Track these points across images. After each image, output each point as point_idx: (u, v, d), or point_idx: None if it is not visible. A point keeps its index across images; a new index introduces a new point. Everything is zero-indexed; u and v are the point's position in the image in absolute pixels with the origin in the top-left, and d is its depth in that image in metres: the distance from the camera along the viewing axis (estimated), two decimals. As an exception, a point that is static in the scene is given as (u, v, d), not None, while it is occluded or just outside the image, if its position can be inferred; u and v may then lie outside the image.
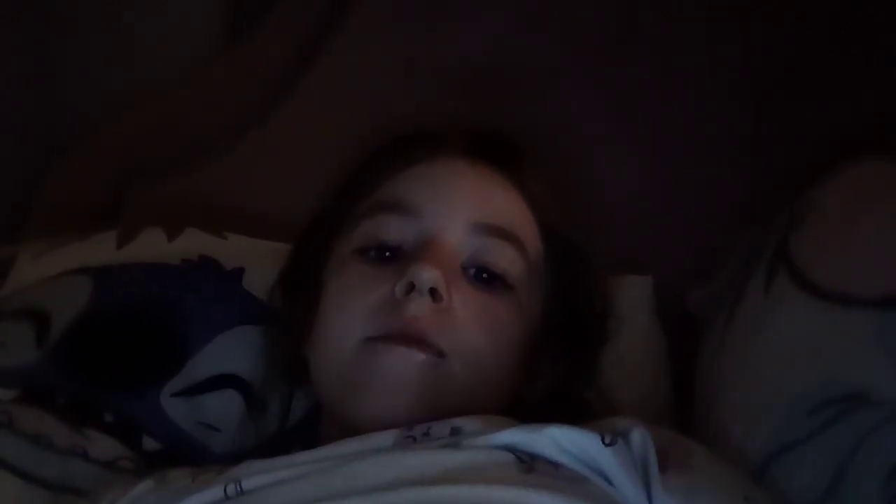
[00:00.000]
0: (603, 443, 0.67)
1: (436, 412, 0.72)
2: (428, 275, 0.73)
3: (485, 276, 0.77)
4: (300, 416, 0.89)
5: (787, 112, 1.04)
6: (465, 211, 0.78)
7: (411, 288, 0.73)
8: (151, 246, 1.00)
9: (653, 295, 0.99)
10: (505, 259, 0.78)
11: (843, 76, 1.04)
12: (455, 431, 0.69)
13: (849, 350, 0.79)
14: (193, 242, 1.00)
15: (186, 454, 0.87)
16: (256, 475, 0.69)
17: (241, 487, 0.68)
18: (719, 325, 0.89)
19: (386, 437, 0.69)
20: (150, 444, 0.87)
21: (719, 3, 1.08)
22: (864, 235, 0.83)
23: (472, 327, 0.75)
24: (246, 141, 1.17)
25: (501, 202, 0.81)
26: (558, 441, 0.67)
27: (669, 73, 1.08)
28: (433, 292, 0.73)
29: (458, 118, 0.86)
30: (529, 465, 0.66)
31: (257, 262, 0.95)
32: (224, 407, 0.89)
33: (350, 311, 0.76)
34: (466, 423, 0.69)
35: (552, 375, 0.83)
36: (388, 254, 0.78)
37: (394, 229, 0.78)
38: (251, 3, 1.29)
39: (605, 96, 1.09)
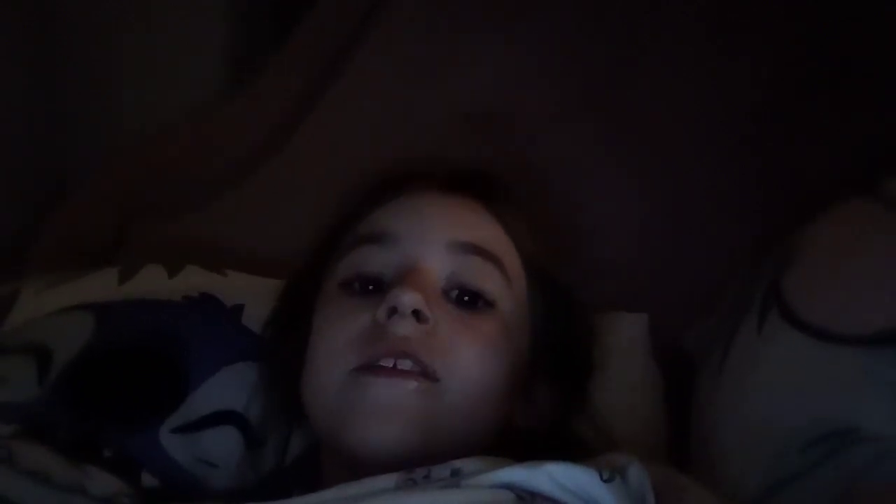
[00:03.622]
0: (601, 479, 0.67)
1: (432, 437, 0.72)
2: (408, 297, 0.73)
3: (466, 298, 0.78)
4: (299, 453, 0.89)
5: (784, 153, 1.06)
6: (441, 234, 0.79)
7: (393, 312, 0.74)
8: (152, 282, 1.00)
9: (648, 331, 1.00)
10: (485, 278, 0.79)
11: (835, 119, 1.05)
12: (455, 473, 0.69)
13: (839, 387, 0.80)
14: (194, 279, 1.01)
15: (185, 490, 0.88)
16: (257, 519, 0.69)
17: (242, 531, 0.69)
18: (714, 362, 0.90)
19: (387, 480, 0.69)
20: (148, 480, 0.87)
21: (718, 44, 1.10)
22: (851, 275, 0.85)
23: (462, 345, 0.76)
24: (246, 182, 1.18)
25: (478, 224, 0.82)
26: (557, 478, 0.67)
27: (668, 115, 1.10)
28: (417, 314, 0.74)
29: (440, 159, 0.88)
30: (529, 503, 0.67)
31: (257, 298, 0.96)
32: (223, 443, 0.90)
33: (333, 341, 0.77)
34: (466, 463, 0.70)
35: (544, 402, 0.84)
36: (371, 287, 0.79)
37: (374, 260, 0.79)
38: (255, 48, 1.31)
39: (605, 138, 1.10)
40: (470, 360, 0.76)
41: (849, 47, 1.07)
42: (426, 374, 0.74)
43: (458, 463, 0.70)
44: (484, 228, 0.82)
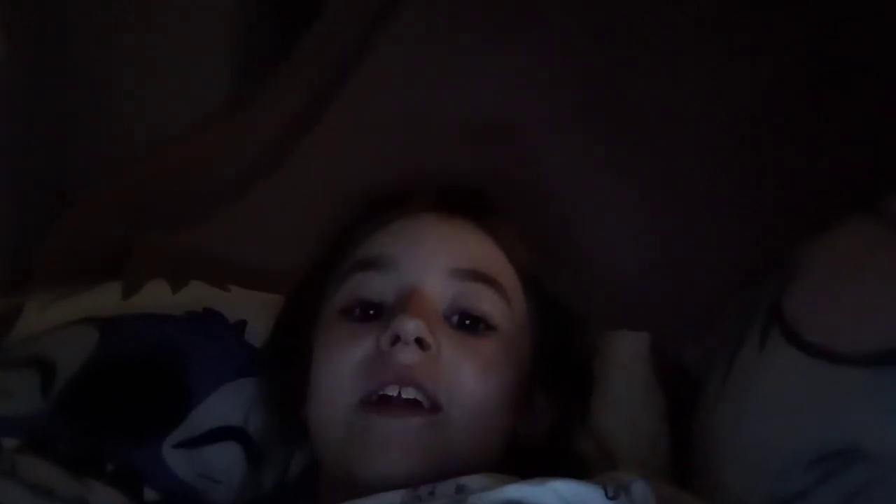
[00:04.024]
0: (606, 496, 0.67)
1: (439, 462, 0.73)
2: (411, 325, 0.74)
3: (467, 322, 0.79)
4: (300, 470, 0.89)
5: (786, 169, 1.06)
6: (441, 260, 0.80)
7: (396, 340, 0.74)
8: (156, 297, 1.01)
9: (649, 350, 1.00)
10: (485, 302, 0.79)
11: (837, 136, 1.06)
12: (460, 489, 0.69)
13: (841, 406, 0.80)
14: (197, 294, 1.01)
15: (186, 506, 0.88)
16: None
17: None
18: (716, 381, 0.90)
19: (392, 497, 0.70)
20: (150, 494, 0.87)
21: (721, 54, 1.10)
22: (853, 293, 0.85)
23: (464, 370, 0.76)
24: (250, 195, 1.18)
25: (476, 248, 0.82)
26: (562, 494, 0.67)
27: (672, 126, 1.10)
28: (420, 342, 0.74)
29: (434, 177, 0.88)
30: (534, 519, 0.67)
31: (260, 314, 0.95)
32: (225, 459, 0.90)
33: (337, 370, 0.77)
34: (471, 480, 0.70)
35: (546, 416, 0.84)
36: (371, 312, 0.79)
37: (374, 286, 0.79)
38: (260, 58, 1.32)
39: (607, 150, 1.10)
40: (471, 384, 0.76)
41: (849, 51, 1.07)
42: (429, 401, 0.74)
43: (463, 479, 0.70)
44: (482, 251, 0.83)
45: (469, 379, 0.76)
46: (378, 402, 0.74)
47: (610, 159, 1.11)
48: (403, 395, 0.74)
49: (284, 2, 1.39)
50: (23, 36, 1.34)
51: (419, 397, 0.75)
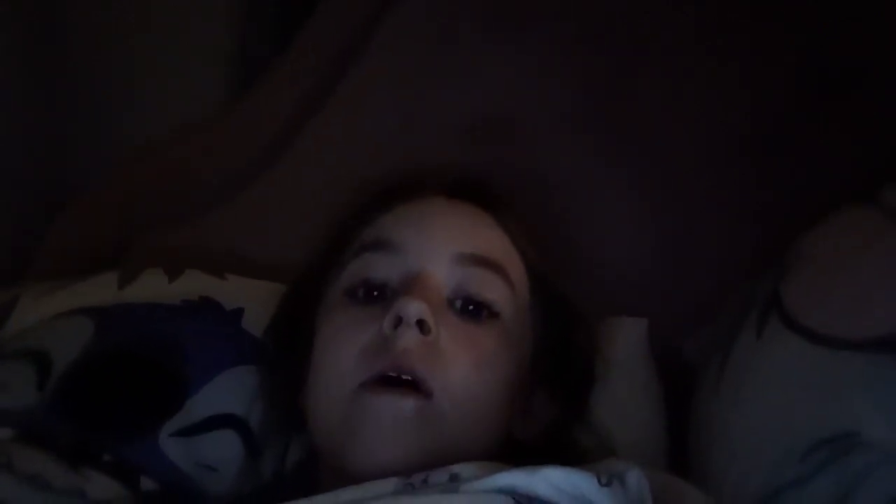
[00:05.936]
0: (599, 484, 0.67)
1: (432, 453, 0.73)
2: (414, 307, 0.74)
3: (471, 307, 0.79)
4: (299, 459, 0.89)
5: (785, 168, 1.06)
6: (447, 244, 0.80)
7: (399, 322, 0.74)
8: (152, 287, 1.00)
9: (647, 336, 0.99)
10: (490, 289, 0.79)
11: (836, 136, 1.06)
12: (453, 478, 0.69)
13: (838, 392, 0.81)
14: (194, 283, 1.01)
15: (184, 495, 0.88)
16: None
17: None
18: (714, 369, 0.90)
19: (385, 485, 0.70)
20: (147, 484, 0.87)
21: (721, 54, 1.11)
22: (851, 280, 0.85)
23: (460, 359, 0.76)
24: (248, 190, 1.18)
25: (484, 235, 0.83)
26: (555, 482, 0.67)
27: (670, 124, 1.10)
28: (421, 324, 0.74)
29: (445, 167, 0.89)
30: (527, 507, 0.67)
31: (256, 302, 0.96)
32: (222, 447, 0.90)
33: (342, 355, 0.77)
34: (464, 468, 0.70)
35: (545, 414, 0.84)
36: (375, 293, 0.79)
37: (380, 267, 0.80)
38: (255, 57, 1.32)
39: (606, 148, 1.11)
40: (466, 375, 0.76)
41: (849, 51, 1.08)
42: (421, 388, 0.74)
43: (456, 468, 0.70)
44: (489, 238, 0.83)
45: (464, 372, 0.76)
46: (375, 382, 0.74)
47: (610, 158, 1.11)
48: (402, 378, 0.74)
49: (284, 2, 1.39)
50: (23, 36, 1.34)
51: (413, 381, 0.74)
